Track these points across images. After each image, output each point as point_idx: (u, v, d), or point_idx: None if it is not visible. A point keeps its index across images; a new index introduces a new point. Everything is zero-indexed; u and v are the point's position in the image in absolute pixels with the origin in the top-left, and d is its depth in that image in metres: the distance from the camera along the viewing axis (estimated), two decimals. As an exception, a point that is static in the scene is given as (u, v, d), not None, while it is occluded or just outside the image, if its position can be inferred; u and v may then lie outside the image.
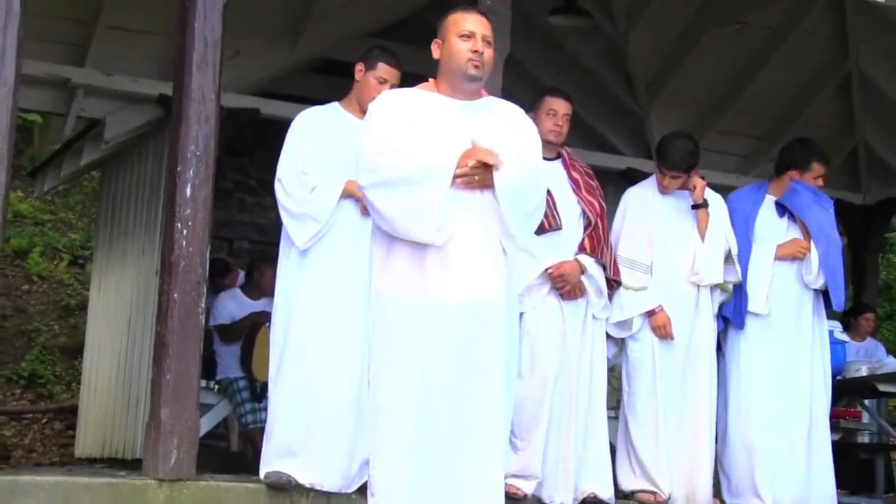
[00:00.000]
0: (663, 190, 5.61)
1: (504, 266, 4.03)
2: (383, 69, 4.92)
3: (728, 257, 5.60)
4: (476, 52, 4.04)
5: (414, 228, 3.89)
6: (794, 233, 5.75)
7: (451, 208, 3.91)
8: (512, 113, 4.22)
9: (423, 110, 4.06)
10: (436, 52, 4.13)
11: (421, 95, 4.13)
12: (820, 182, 5.79)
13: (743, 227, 5.67)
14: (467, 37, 4.06)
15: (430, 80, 4.19)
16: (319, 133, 4.87)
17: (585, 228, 5.27)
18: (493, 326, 3.96)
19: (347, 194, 4.74)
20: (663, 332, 5.46)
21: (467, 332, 3.91)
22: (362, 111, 4.90)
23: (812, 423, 5.63)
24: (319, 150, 4.82)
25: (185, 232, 4.61)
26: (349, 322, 4.69)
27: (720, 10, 8.34)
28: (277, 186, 4.83)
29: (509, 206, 3.96)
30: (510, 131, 4.12)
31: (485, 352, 3.94)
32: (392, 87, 4.85)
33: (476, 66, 4.05)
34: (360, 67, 4.97)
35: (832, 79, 9.16)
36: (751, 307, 5.61)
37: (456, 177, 3.90)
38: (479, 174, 3.92)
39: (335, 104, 5.02)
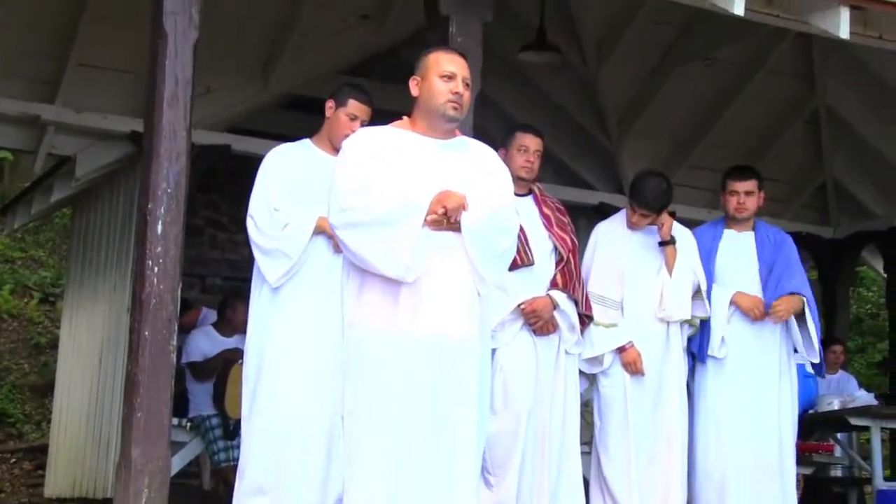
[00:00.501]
0: (631, 226, 5.64)
1: (477, 302, 4.03)
2: (354, 106, 4.93)
3: (697, 292, 5.62)
4: (456, 93, 4.06)
5: (384, 267, 3.90)
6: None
7: (425, 245, 3.91)
8: (485, 154, 4.24)
9: (397, 148, 4.07)
10: (414, 90, 4.13)
11: (395, 133, 4.14)
12: (740, 198, 5.74)
13: (706, 264, 5.69)
14: (448, 77, 4.07)
15: (405, 117, 4.20)
16: (290, 170, 4.87)
17: (557, 264, 5.28)
18: (466, 362, 3.95)
19: (319, 231, 4.73)
20: (634, 369, 5.47)
21: (440, 368, 3.90)
22: (333, 147, 4.91)
23: (780, 456, 5.64)
24: (290, 187, 4.82)
25: (156, 269, 4.59)
26: (321, 359, 4.66)
27: (689, 46, 8.43)
28: (249, 223, 4.83)
29: (477, 250, 3.98)
30: (482, 172, 4.13)
31: (457, 387, 3.93)
32: (363, 123, 4.86)
33: (455, 108, 4.07)
34: (330, 104, 4.98)
35: (800, 114, 9.28)
36: (709, 351, 5.64)
37: (426, 221, 3.92)
38: (447, 218, 3.93)
39: (306, 141, 5.03)
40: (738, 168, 5.91)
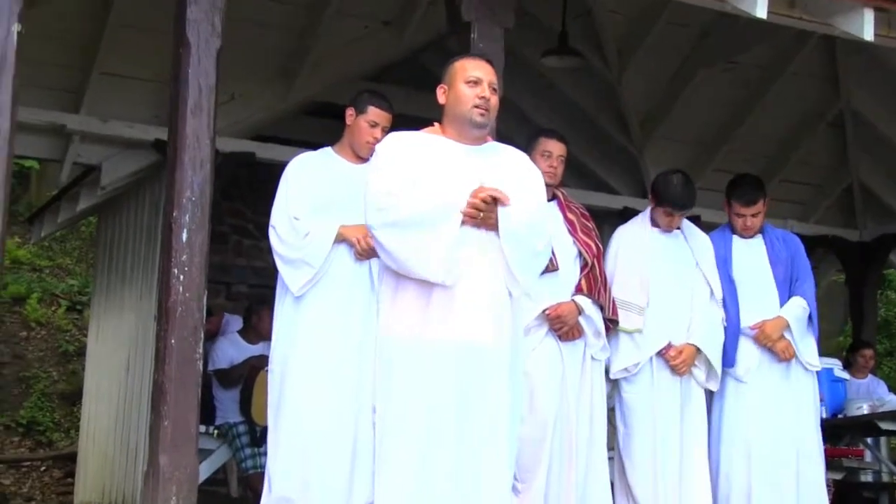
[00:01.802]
0: (666, 229, 5.61)
1: (509, 308, 4.04)
2: (374, 112, 4.94)
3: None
4: (483, 98, 4.08)
5: (423, 269, 3.90)
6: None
7: (460, 249, 3.92)
8: (517, 159, 4.26)
9: (430, 152, 4.09)
10: (441, 98, 4.16)
11: (427, 138, 4.16)
12: (747, 220, 5.70)
13: (722, 271, 5.65)
14: (474, 83, 4.10)
15: (436, 124, 4.21)
16: (311, 178, 4.88)
17: (582, 269, 5.26)
18: (496, 369, 3.96)
19: (341, 239, 4.75)
20: (684, 367, 5.42)
21: (471, 375, 3.91)
22: (354, 155, 4.93)
23: (802, 462, 5.58)
24: (312, 196, 4.83)
25: (181, 277, 4.60)
26: (344, 367, 4.67)
27: (711, 50, 8.41)
28: (271, 233, 4.84)
29: (513, 250, 3.99)
30: (515, 177, 4.14)
31: (489, 393, 3.93)
32: (383, 129, 4.87)
33: (482, 114, 4.09)
34: (350, 112, 4.99)
35: (825, 117, 9.23)
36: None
37: (463, 213, 3.93)
38: (485, 211, 3.94)
39: (328, 149, 5.04)
40: (742, 189, 5.78)
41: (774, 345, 5.58)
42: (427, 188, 3.96)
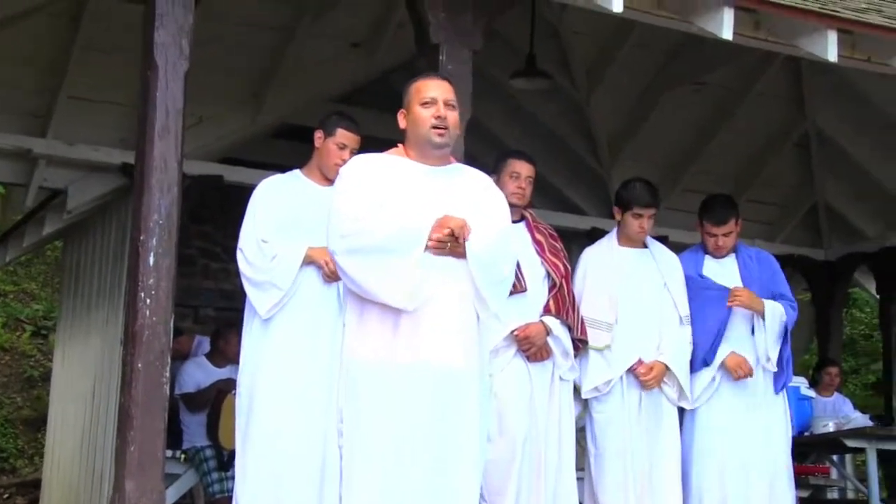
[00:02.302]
0: (637, 236, 5.61)
1: (476, 331, 4.03)
2: (342, 135, 4.94)
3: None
4: (439, 117, 4.05)
5: (386, 295, 3.88)
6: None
7: (425, 272, 3.90)
8: (480, 180, 4.24)
9: (394, 175, 4.07)
10: (402, 122, 4.14)
11: (391, 160, 4.14)
12: (718, 240, 5.71)
13: (696, 290, 5.68)
14: (429, 104, 4.07)
15: (400, 145, 4.20)
16: (280, 201, 4.87)
17: (550, 290, 5.27)
18: (465, 392, 3.94)
19: (309, 261, 4.74)
20: (654, 382, 5.43)
21: (440, 398, 3.89)
22: (323, 177, 4.92)
23: (771, 479, 5.60)
24: (280, 218, 4.82)
25: (148, 301, 4.57)
26: (312, 390, 4.65)
27: (679, 71, 8.47)
28: (239, 256, 4.82)
29: (481, 275, 3.97)
30: (479, 199, 4.13)
31: (457, 417, 3.91)
32: (352, 151, 4.87)
33: (440, 134, 4.06)
34: (319, 134, 4.99)
35: (791, 137, 9.31)
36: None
37: (428, 245, 3.91)
38: (450, 242, 3.93)
39: (296, 171, 5.03)
40: (714, 208, 5.79)
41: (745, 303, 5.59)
42: (392, 212, 3.94)
